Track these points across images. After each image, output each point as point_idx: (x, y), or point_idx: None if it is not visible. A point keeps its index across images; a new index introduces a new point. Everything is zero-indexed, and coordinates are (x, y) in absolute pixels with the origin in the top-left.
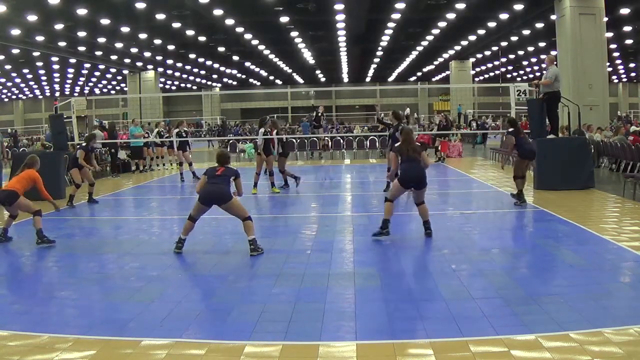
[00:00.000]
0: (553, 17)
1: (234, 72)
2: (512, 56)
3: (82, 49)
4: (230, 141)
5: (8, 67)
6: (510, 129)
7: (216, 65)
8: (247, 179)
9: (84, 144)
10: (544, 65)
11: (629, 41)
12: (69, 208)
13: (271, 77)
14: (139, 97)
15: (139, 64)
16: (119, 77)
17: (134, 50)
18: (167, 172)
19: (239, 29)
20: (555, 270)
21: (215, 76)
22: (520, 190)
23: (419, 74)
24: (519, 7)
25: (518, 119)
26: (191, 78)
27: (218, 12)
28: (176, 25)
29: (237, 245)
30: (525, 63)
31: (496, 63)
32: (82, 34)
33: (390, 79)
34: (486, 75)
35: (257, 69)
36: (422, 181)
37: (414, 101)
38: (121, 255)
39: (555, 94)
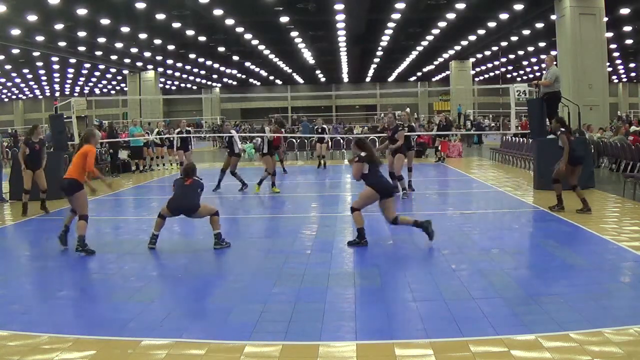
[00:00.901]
0: (553, 17)
1: (234, 72)
2: (512, 56)
3: (82, 49)
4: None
5: (8, 67)
6: (562, 129)
7: (216, 65)
8: (249, 178)
9: (26, 137)
10: (543, 65)
11: (629, 41)
12: (26, 219)
13: (271, 77)
14: (139, 98)
15: (139, 64)
16: (119, 77)
17: (134, 50)
18: (167, 172)
19: (239, 29)
20: (555, 270)
21: (215, 76)
22: (558, 195)
23: (419, 74)
24: (519, 7)
25: (518, 119)
26: (191, 78)
27: (218, 12)
28: (176, 25)
29: (237, 245)
30: (525, 63)
31: (496, 63)
32: (82, 34)
33: (390, 79)
34: (486, 75)
35: (257, 69)
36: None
37: (414, 101)
38: (121, 255)
39: (556, 94)
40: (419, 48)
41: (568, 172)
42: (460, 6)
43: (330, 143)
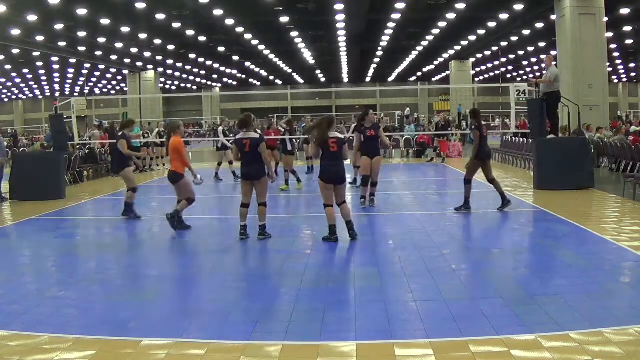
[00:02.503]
0: (553, 17)
1: (234, 72)
2: (512, 56)
3: (82, 49)
4: (231, 141)
5: (8, 67)
6: (476, 123)
7: (216, 65)
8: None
9: (120, 133)
10: (543, 65)
11: (629, 41)
12: (133, 218)
13: (271, 77)
14: (139, 97)
15: (139, 64)
16: (119, 77)
17: (134, 50)
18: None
19: (239, 29)
20: (555, 270)
21: (215, 76)
22: (467, 197)
23: (419, 74)
24: (519, 7)
25: (518, 119)
26: (191, 78)
27: (218, 12)
28: (176, 25)
29: (238, 244)
30: (525, 63)
31: (496, 63)
32: (82, 34)
33: (390, 79)
34: (486, 75)
35: (257, 69)
36: (344, 178)
37: (414, 101)
38: (121, 255)
39: (556, 94)
40: (419, 48)
41: (477, 167)
42: (460, 6)
43: None
